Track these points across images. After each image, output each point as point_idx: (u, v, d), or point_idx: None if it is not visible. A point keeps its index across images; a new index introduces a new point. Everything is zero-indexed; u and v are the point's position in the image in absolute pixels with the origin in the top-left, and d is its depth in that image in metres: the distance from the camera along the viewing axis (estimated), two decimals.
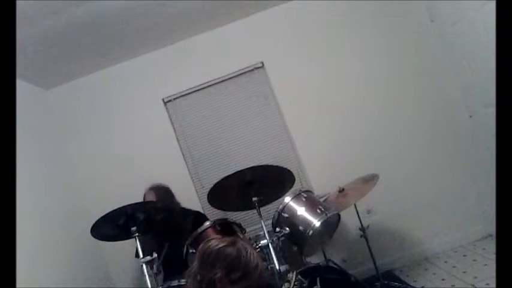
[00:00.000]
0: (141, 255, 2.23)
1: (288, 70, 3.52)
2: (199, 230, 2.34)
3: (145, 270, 2.19)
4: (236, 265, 1.35)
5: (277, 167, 2.47)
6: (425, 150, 3.45)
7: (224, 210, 2.70)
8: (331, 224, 2.66)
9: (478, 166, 3.29)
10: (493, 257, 2.96)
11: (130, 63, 3.54)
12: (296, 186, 2.75)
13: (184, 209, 2.99)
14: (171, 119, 3.57)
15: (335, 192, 2.90)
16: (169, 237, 2.69)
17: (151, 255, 2.23)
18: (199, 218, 2.92)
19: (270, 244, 2.22)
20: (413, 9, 3.43)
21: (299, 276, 2.05)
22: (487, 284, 2.63)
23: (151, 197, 2.87)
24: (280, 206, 2.54)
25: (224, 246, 1.39)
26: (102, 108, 3.53)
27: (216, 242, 1.42)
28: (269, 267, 2.18)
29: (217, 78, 3.55)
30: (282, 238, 2.39)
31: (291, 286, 1.78)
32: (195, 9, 3.03)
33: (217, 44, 3.53)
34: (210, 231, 2.36)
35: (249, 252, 1.39)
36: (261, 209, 2.37)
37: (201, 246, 1.44)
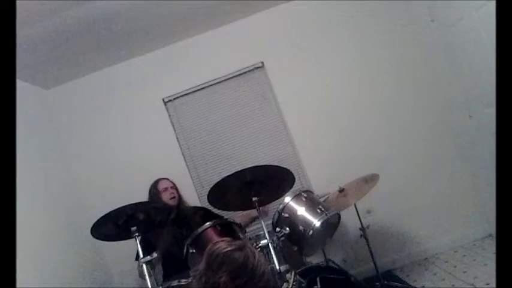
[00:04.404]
0: (141, 255, 2.22)
1: (288, 70, 3.52)
2: (199, 230, 2.34)
3: (145, 270, 2.18)
4: (242, 271, 1.33)
5: (277, 167, 2.47)
6: (425, 150, 3.45)
7: (224, 210, 2.69)
8: (331, 224, 2.66)
9: (478, 166, 3.29)
10: (493, 257, 2.95)
11: (130, 63, 3.54)
12: (296, 186, 2.75)
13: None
14: (171, 119, 3.57)
15: (335, 192, 2.90)
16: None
17: (151, 255, 2.22)
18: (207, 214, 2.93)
19: (270, 244, 2.22)
20: (413, 9, 3.43)
21: (297, 277, 2.05)
22: (487, 284, 2.63)
23: (167, 183, 2.99)
24: (280, 206, 2.54)
25: (232, 250, 1.37)
26: (102, 108, 3.53)
27: (224, 245, 1.40)
28: (269, 267, 2.18)
29: (217, 78, 3.55)
30: (282, 238, 2.38)
31: (290, 286, 1.78)
32: (194, 9, 3.04)
33: (217, 44, 3.53)
34: (210, 231, 2.35)
35: (256, 258, 1.37)
36: (261, 208, 2.36)
37: (208, 247, 1.43)
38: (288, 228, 2.42)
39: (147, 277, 2.17)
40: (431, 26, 3.34)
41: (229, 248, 1.38)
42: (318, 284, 2.29)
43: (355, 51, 3.51)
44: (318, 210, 2.49)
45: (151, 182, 3.02)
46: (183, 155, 3.54)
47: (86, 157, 3.49)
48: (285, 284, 1.77)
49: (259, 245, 2.24)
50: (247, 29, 3.53)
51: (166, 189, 2.95)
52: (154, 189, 2.95)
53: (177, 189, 3.01)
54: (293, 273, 1.84)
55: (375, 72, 3.50)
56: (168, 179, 3.03)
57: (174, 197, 2.94)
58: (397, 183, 3.36)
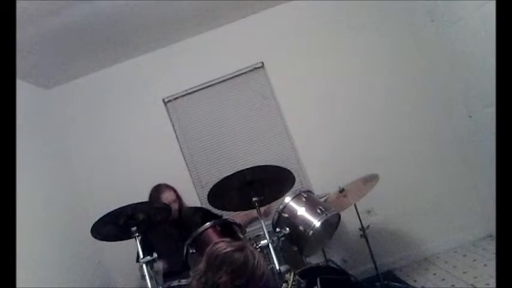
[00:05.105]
0: (141, 255, 2.22)
1: (288, 70, 3.52)
2: (200, 230, 2.34)
3: (145, 270, 2.18)
4: (242, 271, 1.34)
5: (277, 167, 2.46)
6: (425, 150, 3.45)
7: (224, 210, 2.69)
8: (331, 224, 2.66)
9: (478, 166, 3.29)
10: (493, 257, 2.95)
11: (130, 63, 3.54)
12: (296, 186, 2.75)
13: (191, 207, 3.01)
14: (171, 119, 3.57)
15: (335, 192, 2.90)
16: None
17: (152, 255, 2.22)
18: (206, 214, 2.92)
19: (270, 244, 2.22)
20: (413, 9, 3.43)
21: (297, 277, 2.05)
22: (487, 284, 2.63)
23: (171, 195, 2.83)
24: (281, 206, 2.54)
25: (232, 250, 1.38)
26: (102, 108, 3.53)
27: (224, 245, 1.40)
28: (269, 267, 2.18)
29: (217, 78, 3.55)
30: (282, 238, 2.38)
31: (289, 287, 1.78)
32: (194, 9, 3.04)
33: (217, 44, 3.53)
34: (211, 232, 2.35)
35: (256, 259, 1.38)
36: (261, 209, 2.36)
37: (209, 248, 1.43)
38: (288, 229, 2.41)
39: (147, 277, 2.17)
40: (431, 25, 3.34)
41: (229, 249, 1.38)
42: (318, 284, 2.29)
43: (355, 51, 3.51)
44: (318, 211, 2.49)
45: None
46: (183, 155, 3.54)
47: (85, 157, 3.49)
48: (284, 284, 1.77)
49: (259, 245, 2.24)
50: (247, 29, 3.53)
51: (169, 204, 2.79)
52: (155, 195, 2.86)
53: (180, 199, 2.89)
54: (292, 273, 1.84)
55: (374, 72, 3.49)
56: (171, 189, 2.87)
57: (176, 210, 2.84)
58: (397, 183, 3.36)
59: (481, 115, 3.02)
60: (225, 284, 1.31)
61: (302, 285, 2.16)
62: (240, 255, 1.36)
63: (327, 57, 3.51)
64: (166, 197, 2.84)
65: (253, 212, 2.37)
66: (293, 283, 1.79)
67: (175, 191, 2.90)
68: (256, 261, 1.37)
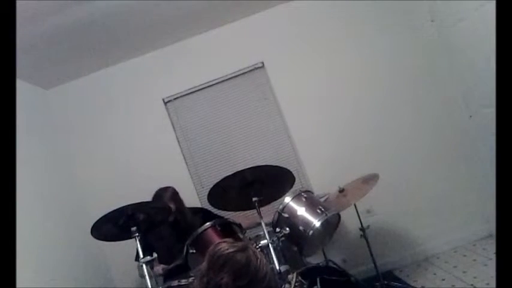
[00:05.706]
0: (141, 255, 2.22)
1: (288, 70, 3.52)
2: (200, 230, 2.34)
3: (145, 271, 2.18)
4: (244, 272, 1.34)
5: (277, 167, 2.47)
6: (425, 150, 3.45)
7: (224, 210, 2.69)
8: (331, 224, 2.66)
9: (478, 166, 3.29)
10: (493, 257, 2.96)
11: (130, 63, 3.54)
12: (296, 186, 2.75)
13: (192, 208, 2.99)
14: (171, 119, 3.57)
15: (335, 192, 2.90)
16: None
17: (152, 255, 2.22)
18: (207, 214, 2.91)
19: (270, 244, 2.22)
20: (413, 9, 3.43)
21: (299, 277, 2.05)
22: (487, 284, 2.63)
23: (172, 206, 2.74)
24: (280, 206, 2.54)
25: (234, 251, 1.37)
26: (102, 108, 3.53)
27: (226, 246, 1.40)
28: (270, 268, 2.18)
29: (217, 78, 3.55)
30: (282, 238, 2.38)
31: (292, 287, 1.78)
32: (194, 9, 3.04)
33: (217, 44, 3.53)
34: (210, 232, 2.36)
35: (259, 260, 1.38)
36: (261, 209, 2.36)
37: (211, 248, 1.43)
38: (288, 229, 2.42)
39: (147, 277, 2.17)
40: (431, 26, 3.34)
41: (231, 249, 1.38)
42: (318, 284, 2.29)
43: (355, 51, 3.51)
44: (318, 211, 2.49)
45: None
46: (183, 155, 3.54)
47: (86, 157, 3.49)
48: (286, 285, 1.77)
49: (259, 245, 2.24)
50: (247, 29, 3.53)
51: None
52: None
53: (180, 212, 2.82)
54: (295, 274, 1.84)
55: (374, 72, 3.49)
56: (173, 200, 2.79)
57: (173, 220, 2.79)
58: (397, 183, 3.36)
59: (481, 115, 3.02)
60: (227, 285, 1.31)
61: (304, 286, 2.16)
62: (243, 255, 1.36)
63: (327, 57, 3.51)
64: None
65: (257, 218, 2.36)
66: (296, 284, 1.79)
67: (177, 201, 2.83)
68: (258, 262, 1.37)
